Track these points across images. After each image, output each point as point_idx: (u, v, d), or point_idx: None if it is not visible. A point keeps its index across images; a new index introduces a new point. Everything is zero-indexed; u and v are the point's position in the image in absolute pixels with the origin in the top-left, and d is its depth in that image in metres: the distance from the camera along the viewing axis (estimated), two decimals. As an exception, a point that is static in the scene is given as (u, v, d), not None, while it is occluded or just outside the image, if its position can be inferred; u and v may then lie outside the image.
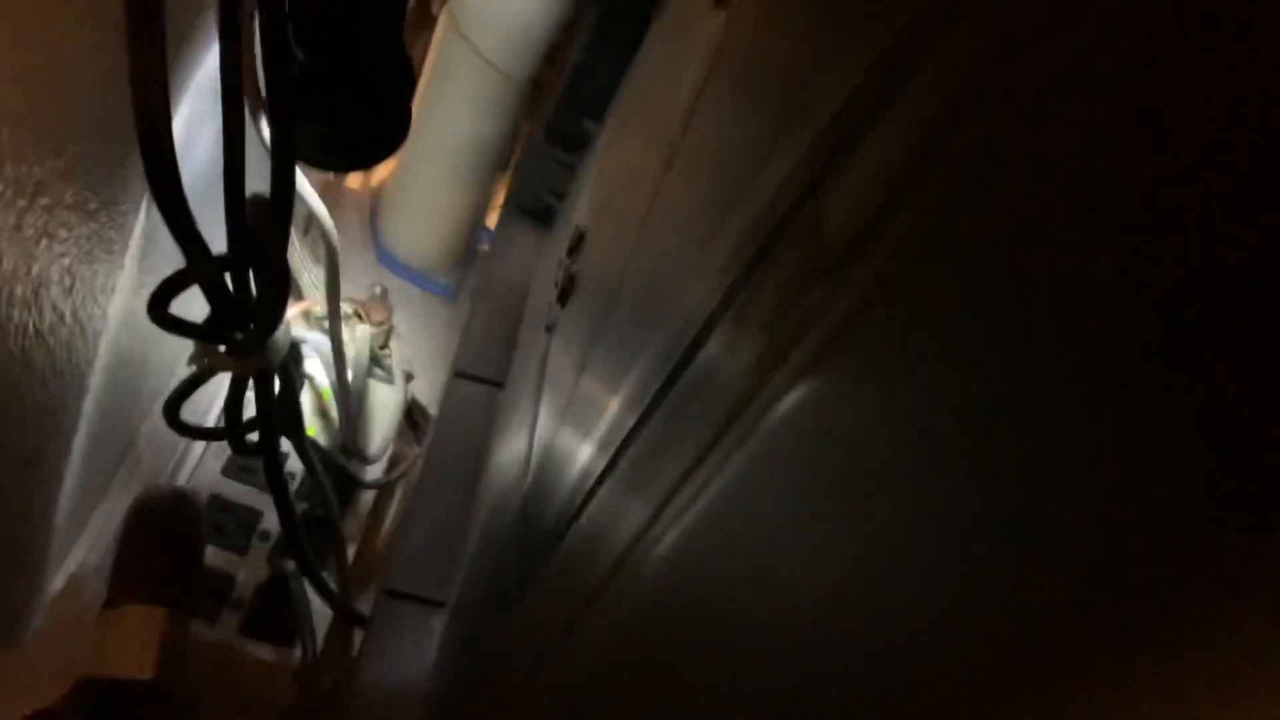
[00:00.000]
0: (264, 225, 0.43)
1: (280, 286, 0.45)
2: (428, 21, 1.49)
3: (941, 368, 0.19)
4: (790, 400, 0.24)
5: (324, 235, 0.56)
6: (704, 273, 0.38)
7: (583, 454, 0.49)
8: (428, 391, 1.28)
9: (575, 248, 0.83)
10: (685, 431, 0.32)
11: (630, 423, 0.41)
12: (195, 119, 0.58)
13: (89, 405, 0.67)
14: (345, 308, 1.14)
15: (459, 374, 1.04)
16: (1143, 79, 0.16)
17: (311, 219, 1.30)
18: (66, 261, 0.50)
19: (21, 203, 0.41)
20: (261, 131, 0.44)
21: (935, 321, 0.19)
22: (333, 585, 0.85)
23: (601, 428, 0.47)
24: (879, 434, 0.20)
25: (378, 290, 1.24)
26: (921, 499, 0.18)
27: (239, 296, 0.46)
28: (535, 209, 1.26)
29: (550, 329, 0.81)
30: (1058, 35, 0.18)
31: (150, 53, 0.35)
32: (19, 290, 0.46)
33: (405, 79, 0.47)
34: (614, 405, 0.47)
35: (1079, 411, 0.16)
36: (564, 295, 0.79)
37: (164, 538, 0.67)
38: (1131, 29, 0.17)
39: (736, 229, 0.36)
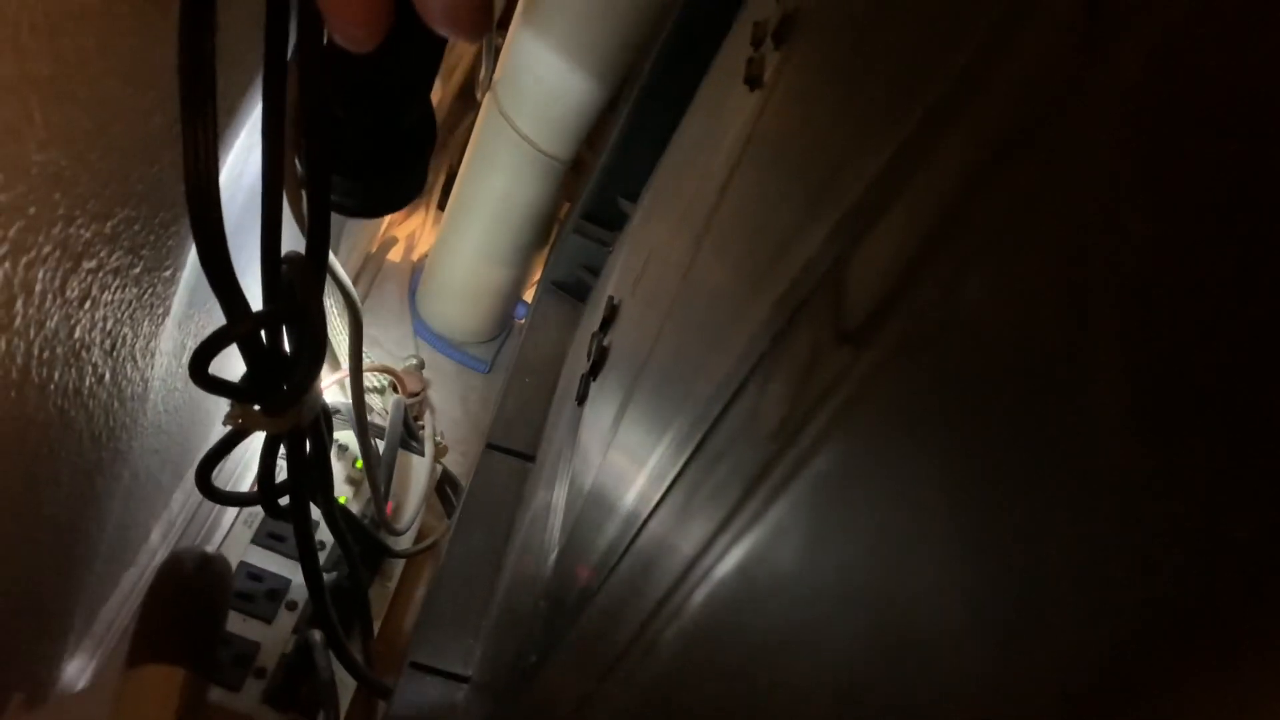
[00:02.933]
0: (300, 281, 0.44)
1: (316, 342, 0.46)
2: (471, 104, 1.54)
3: (959, 438, 0.19)
4: (812, 467, 0.23)
5: (345, 299, 0.57)
6: (732, 345, 0.38)
7: (609, 527, 0.49)
8: (460, 464, 1.29)
9: (608, 321, 0.84)
10: (706, 502, 0.31)
11: (656, 495, 0.41)
12: (245, 150, 0.60)
13: (124, 469, 0.67)
14: (381, 379, 1.15)
15: (491, 446, 1.04)
16: (1164, 148, 0.16)
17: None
18: (109, 324, 0.51)
19: (68, 265, 0.42)
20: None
21: (953, 391, 0.19)
22: (358, 656, 0.85)
23: (628, 500, 0.47)
24: (903, 500, 0.20)
25: (413, 362, 1.26)
26: (945, 570, 0.18)
27: (274, 353, 0.47)
28: (570, 284, 1.27)
29: (582, 401, 0.81)
30: (1074, 118, 0.18)
31: (203, 131, 0.36)
32: (60, 351, 0.47)
33: (430, 133, 0.49)
34: (641, 478, 0.46)
35: (1094, 494, 0.15)
36: (596, 368, 0.80)
37: (188, 599, 0.67)
38: (1155, 101, 0.17)
39: (766, 301, 0.36)
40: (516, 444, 1.05)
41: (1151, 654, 0.14)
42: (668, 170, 0.99)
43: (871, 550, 0.20)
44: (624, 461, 0.54)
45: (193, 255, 0.59)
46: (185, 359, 0.71)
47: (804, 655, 0.21)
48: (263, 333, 0.46)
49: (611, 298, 0.87)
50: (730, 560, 0.27)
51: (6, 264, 0.37)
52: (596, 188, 1.21)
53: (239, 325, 0.42)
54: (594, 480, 0.62)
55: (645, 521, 0.41)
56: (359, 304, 0.57)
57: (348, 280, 0.54)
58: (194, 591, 0.67)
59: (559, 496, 0.75)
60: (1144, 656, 0.14)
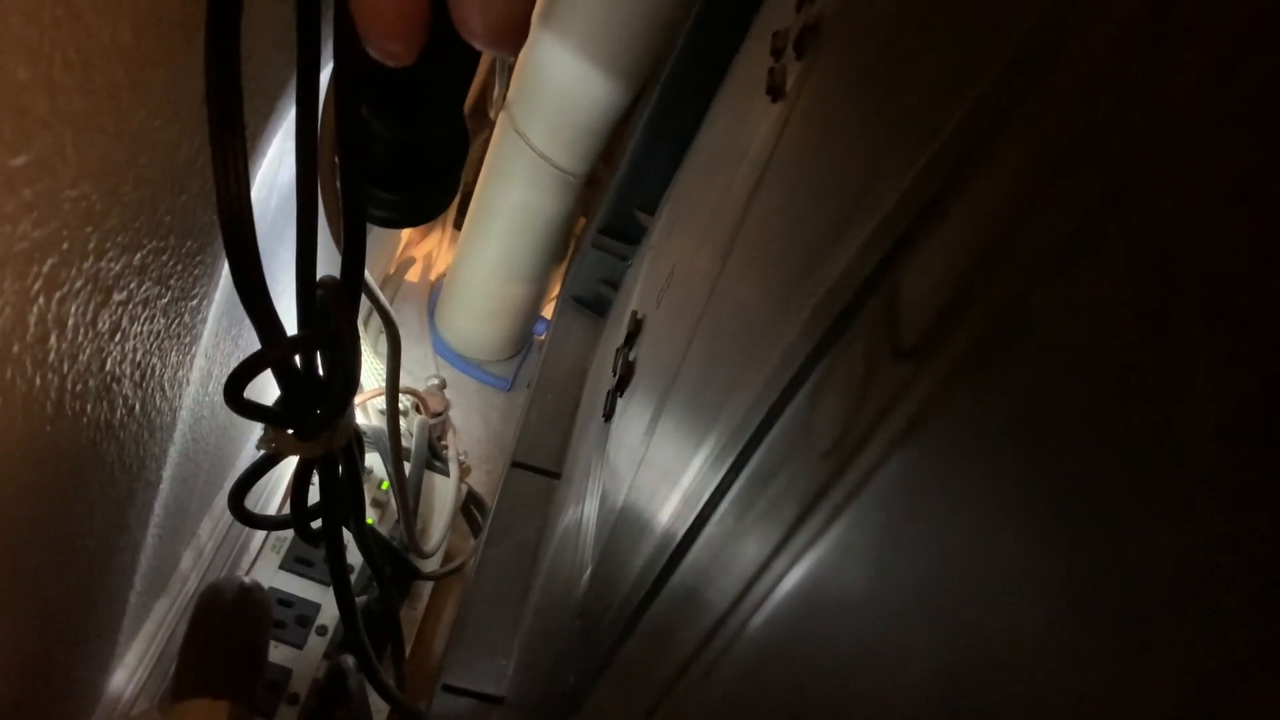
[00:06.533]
0: (335, 303, 0.44)
1: (349, 366, 0.46)
2: (485, 123, 1.54)
3: (1037, 454, 0.18)
4: (875, 486, 0.23)
5: (384, 322, 0.56)
6: (767, 359, 0.38)
7: (645, 545, 0.48)
8: (484, 483, 1.29)
9: (633, 335, 0.83)
10: (759, 521, 0.31)
11: (693, 513, 0.40)
12: (270, 175, 0.60)
13: (154, 499, 0.67)
14: (403, 400, 1.15)
15: (516, 464, 1.04)
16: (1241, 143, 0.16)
17: (370, 312, 1.33)
18: (138, 355, 0.51)
19: (99, 298, 0.42)
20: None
21: (1027, 407, 0.19)
22: (390, 680, 0.84)
23: (664, 518, 0.47)
24: (979, 519, 0.19)
25: (435, 381, 1.26)
26: (1029, 591, 0.17)
27: (308, 377, 0.47)
28: (590, 299, 1.27)
29: (609, 417, 0.81)
30: (1152, 100, 0.18)
31: (234, 158, 0.36)
32: (92, 384, 0.46)
33: (462, 143, 0.49)
34: (676, 495, 0.46)
35: (1182, 511, 0.15)
36: (622, 383, 0.79)
37: (230, 631, 0.67)
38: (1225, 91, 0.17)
39: (800, 313, 0.36)
40: (542, 461, 1.05)
41: (1259, 675, 0.14)
42: (687, 182, 0.99)
43: (947, 572, 0.19)
44: (657, 478, 0.53)
45: (220, 282, 0.59)
46: (212, 387, 0.71)
47: (878, 682, 0.21)
48: (296, 357, 0.46)
49: (635, 312, 0.87)
50: (791, 581, 0.26)
51: (41, 300, 0.37)
52: (613, 201, 1.21)
53: (274, 350, 0.42)
54: (626, 497, 0.62)
55: (687, 541, 0.40)
56: (397, 325, 0.57)
57: (386, 303, 0.54)
58: (236, 623, 0.67)
59: (589, 513, 0.74)
60: (1249, 678, 0.14)
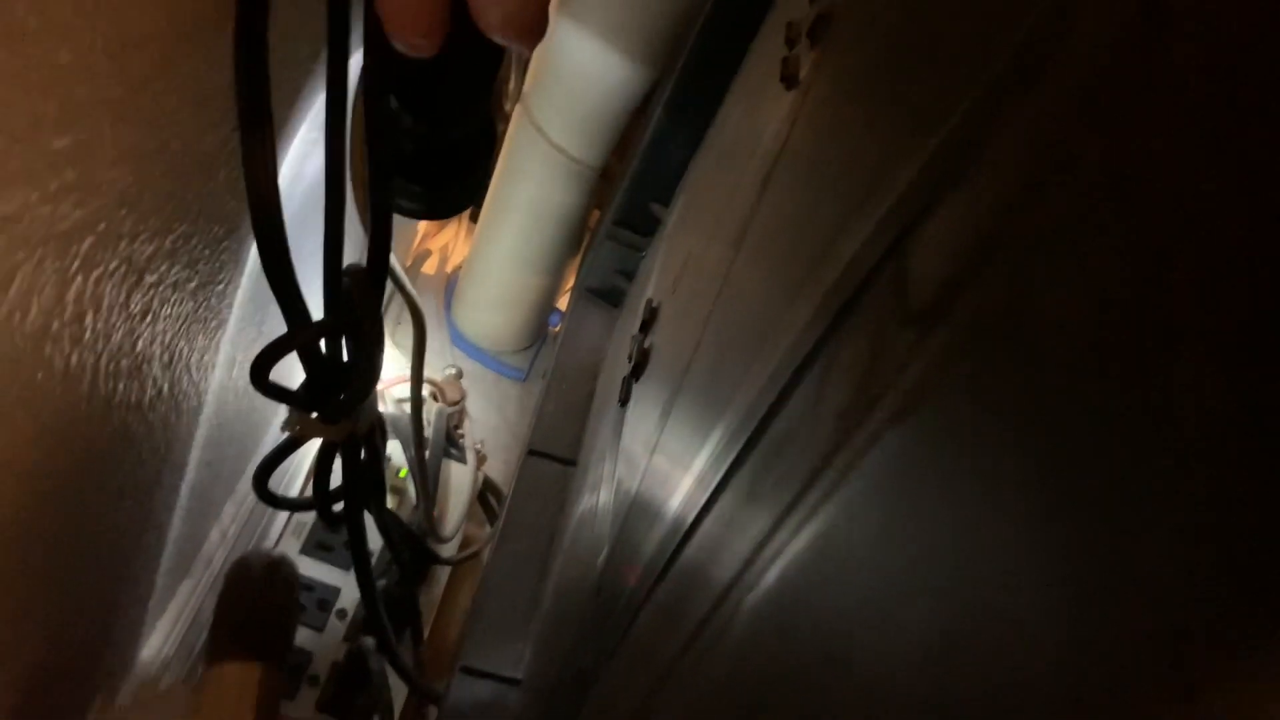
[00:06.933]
0: (360, 291, 0.45)
1: (374, 351, 0.47)
2: (501, 116, 1.55)
3: (1037, 418, 0.19)
4: (875, 454, 0.24)
5: (410, 309, 0.58)
6: (777, 345, 0.39)
7: (657, 529, 0.49)
8: (501, 471, 1.30)
9: (648, 323, 0.84)
10: (764, 495, 0.32)
11: (703, 498, 0.41)
12: (300, 158, 0.61)
13: (180, 481, 0.69)
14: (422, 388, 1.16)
15: (532, 452, 1.05)
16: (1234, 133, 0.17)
17: (390, 300, 1.33)
18: (168, 337, 0.52)
19: (132, 279, 0.43)
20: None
21: (1028, 376, 0.20)
22: (408, 662, 0.86)
23: (675, 502, 0.47)
24: (979, 480, 0.20)
25: (452, 371, 1.27)
26: (1024, 549, 0.18)
27: (332, 362, 0.48)
28: (605, 290, 1.28)
29: (624, 403, 0.82)
30: (1147, 90, 0.19)
31: (262, 145, 0.37)
32: (124, 364, 0.48)
33: (490, 138, 0.50)
34: (688, 480, 0.47)
35: (1171, 483, 0.16)
36: (638, 369, 0.80)
37: (260, 599, 0.69)
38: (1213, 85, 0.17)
39: (812, 298, 0.37)
40: (557, 449, 1.06)
41: (1240, 639, 0.14)
42: (702, 171, 1.00)
43: (943, 548, 0.20)
44: (670, 463, 0.54)
45: (245, 269, 0.61)
46: (236, 372, 0.72)
47: (876, 643, 0.22)
48: (321, 342, 0.47)
49: (650, 300, 0.88)
50: (790, 554, 0.27)
51: (79, 279, 0.38)
52: (628, 193, 1.22)
53: (299, 335, 0.43)
54: (640, 483, 0.63)
55: (696, 522, 0.41)
56: (423, 312, 0.58)
57: (412, 289, 0.55)
58: (267, 589, 0.69)
59: (604, 499, 0.75)
60: (1230, 643, 0.14)
